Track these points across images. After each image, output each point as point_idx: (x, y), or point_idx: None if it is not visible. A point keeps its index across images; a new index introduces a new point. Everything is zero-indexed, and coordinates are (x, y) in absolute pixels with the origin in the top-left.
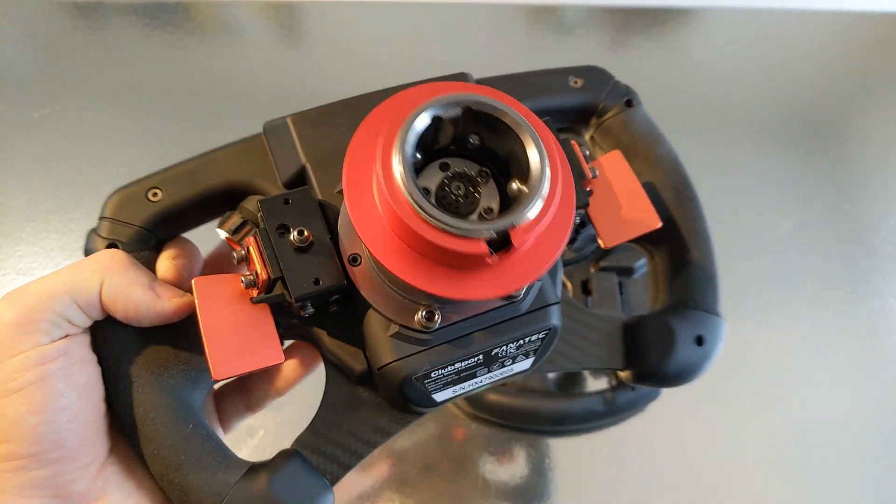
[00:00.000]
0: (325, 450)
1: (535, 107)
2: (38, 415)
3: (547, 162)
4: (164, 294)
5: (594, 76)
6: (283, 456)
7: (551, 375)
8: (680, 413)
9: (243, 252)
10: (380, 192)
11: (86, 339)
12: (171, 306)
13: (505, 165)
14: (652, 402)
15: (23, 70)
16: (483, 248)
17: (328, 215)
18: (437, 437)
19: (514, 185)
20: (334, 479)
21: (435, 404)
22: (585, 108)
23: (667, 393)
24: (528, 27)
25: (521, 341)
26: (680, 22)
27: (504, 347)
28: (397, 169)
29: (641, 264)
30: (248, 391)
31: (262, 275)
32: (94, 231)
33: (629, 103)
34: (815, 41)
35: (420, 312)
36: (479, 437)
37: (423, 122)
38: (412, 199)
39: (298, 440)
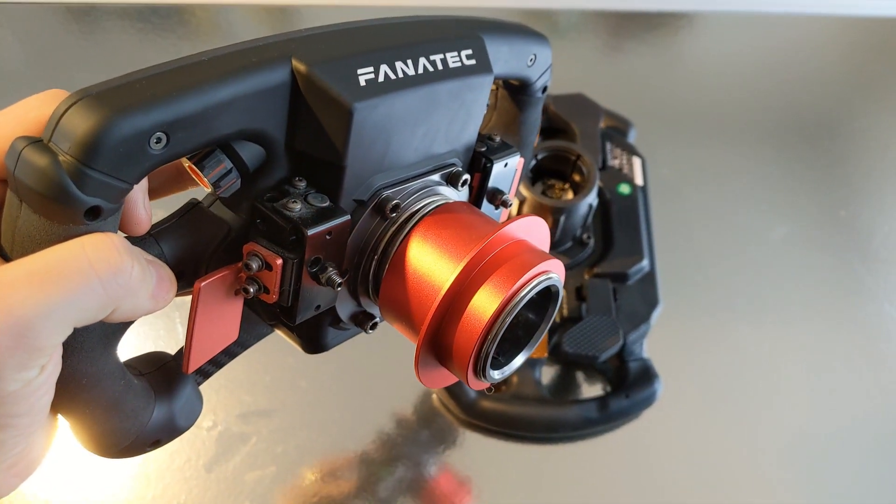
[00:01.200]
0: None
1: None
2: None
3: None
4: (161, 298)
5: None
6: (182, 381)
7: (545, 382)
8: (674, 420)
9: (257, 266)
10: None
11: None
12: (163, 306)
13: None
14: (646, 408)
15: (15, 75)
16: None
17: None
18: (431, 444)
19: None
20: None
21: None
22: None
23: (661, 400)
24: None
25: None
26: (674, 26)
27: None
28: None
29: (636, 270)
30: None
31: (272, 297)
32: (65, 171)
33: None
34: (809, 46)
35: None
36: (472, 445)
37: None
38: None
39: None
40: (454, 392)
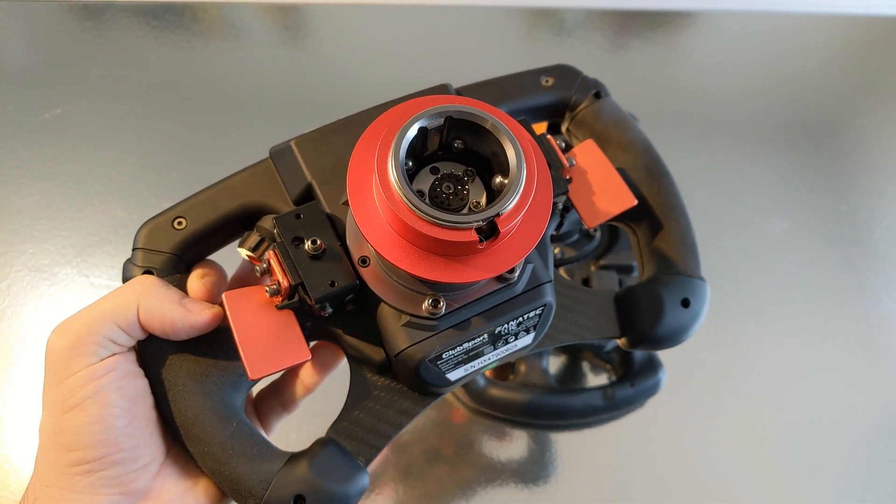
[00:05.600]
0: (356, 434)
1: (512, 108)
2: (97, 424)
3: (523, 157)
4: (194, 308)
5: (563, 73)
6: (320, 444)
7: (552, 371)
8: (678, 408)
9: (265, 265)
10: (379, 198)
11: (131, 356)
12: (202, 319)
13: (488, 164)
14: (651, 397)
15: (33, 72)
16: (473, 236)
17: (336, 225)
18: (441, 432)
19: (497, 179)
20: (367, 461)
21: (450, 383)
22: (558, 103)
23: (665, 389)
24: (528, 30)
25: (521, 318)
26: (678, 25)
27: (506, 325)
28: (392, 175)
29: None
30: (282, 391)
31: (284, 283)
32: (129, 261)
33: (598, 95)
34: (811, 44)
35: (426, 301)
36: (481, 432)
37: (411, 133)
38: (407, 200)
39: (332, 428)
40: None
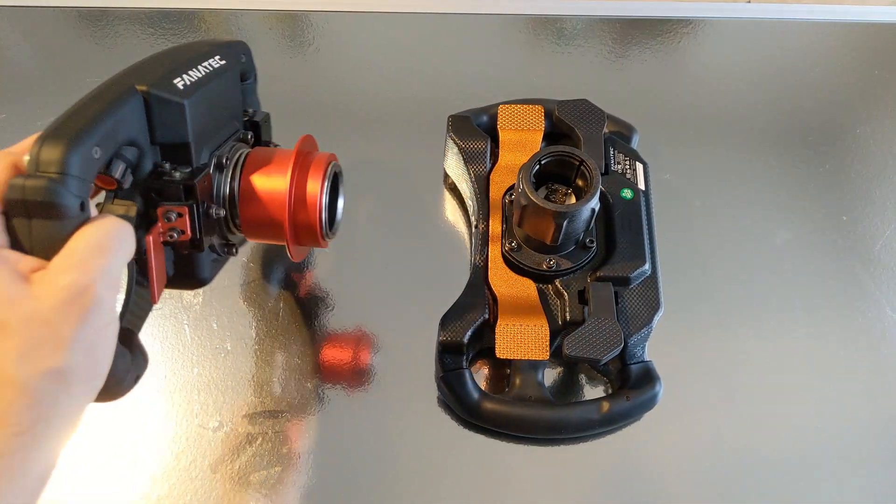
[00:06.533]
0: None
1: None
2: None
3: None
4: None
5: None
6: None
7: (548, 383)
8: (675, 422)
9: (174, 217)
10: None
11: None
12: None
13: None
14: (648, 411)
15: (27, 79)
16: None
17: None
18: (433, 446)
19: None
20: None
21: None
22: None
23: (663, 402)
24: (528, 38)
25: None
26: (679, 33)
27: None
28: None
29: (638, 274)
30: None
31: (187, 235)
32: (53, 179)
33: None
34: (813, 51)
35: None
36: (474, 446)
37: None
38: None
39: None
40: (457, 394)
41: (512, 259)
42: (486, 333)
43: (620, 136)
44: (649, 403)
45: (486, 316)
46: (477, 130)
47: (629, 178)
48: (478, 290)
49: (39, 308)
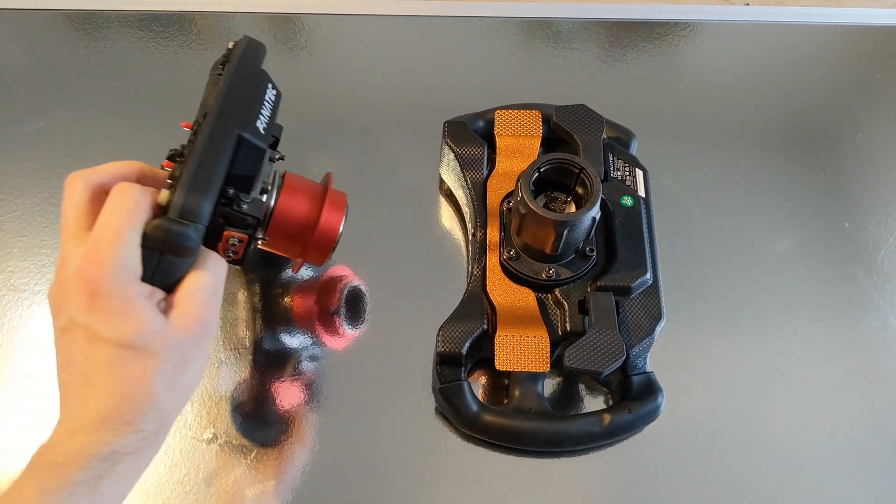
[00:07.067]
0: None
1: None
2: None
3: None
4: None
5: None
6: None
7: (547, 394)
8: (677, 434)
9: (236, 241)
10: None
11: None
12: None
13: None
14: (650, 423)
15: (15, 82)
16: None
17: None
18: (431, 459)
19: None
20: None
21: None
22: None
23: (665, 414)
24: (523, 40)
25: None
26: (676, 36)
27: None
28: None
29: (639, 284)
30: None
31: (238, 257)
32: (195, 228)
33: None
34: (814, 55)
35: None
36: (473, 459)
37: None
38: None
39: None
40: (455, 407)
41: (510, 268)
42: (484, 344)
43: (619, 142)
44: (651, 415)
45: (485, 326)
46: (473, 136)
47: (629, 185)
48: (476, 299)
49: (177, 338)
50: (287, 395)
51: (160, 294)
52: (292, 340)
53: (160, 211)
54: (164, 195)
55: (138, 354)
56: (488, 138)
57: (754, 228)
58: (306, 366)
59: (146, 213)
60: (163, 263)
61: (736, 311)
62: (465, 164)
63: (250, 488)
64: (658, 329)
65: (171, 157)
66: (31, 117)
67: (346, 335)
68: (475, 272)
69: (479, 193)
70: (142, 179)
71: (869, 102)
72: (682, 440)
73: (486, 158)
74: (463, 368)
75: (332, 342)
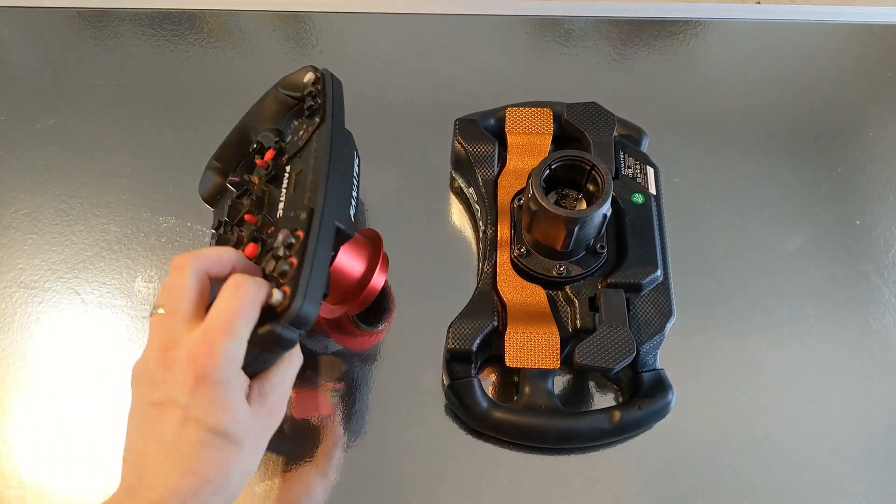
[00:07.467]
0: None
1: None
2: None
3: None
4: None
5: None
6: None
7: (557, 391)
8: (687, 431)
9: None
10: None
11: None
12: None
13: None
14: (660, 420)
15: (25, 80)
16: None
17: None
18: (441, 455)
19: None
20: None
21: None
22: None
23: (674, 412)
24: (533, 39)
25: None
26: (687, 34)
27: None
28: None
29: (650, 281)
30: None
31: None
32: (300, 334)
33: None
34: (825, 53)
35: None
36: (483, 455)
37: None
38: None
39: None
40: (465, 403)
41: (521, 265)
42: (494, 341)
43: (630, 140)
44: (662, 412)
45: (495, 323)
46: (484, 134)
47: (640, 183)
48: (486, 296)
49: (258, 429)
50: (296, 392)
51: (247, 381)
52: (302, 338)
53: (269, 310)
54: (277, 296)
55: (227, 442)
56: (499, 136)
57: (765, 226)
58: (316, 362)
59: (258, 310)
60: (260, 357)
61: (746, 309)
62: (475, 162)
63: (259, 484)
64: (668, 326)
65: (254, 239)
66: (41, 115)
67: (357, 332)
68: (486, 269)
69: (489, 191)
70: (237, 267)
71: (880, 100)
72: (692, 437)
73: (496, 156)
74: (473, 365)
75: (343, 339)
